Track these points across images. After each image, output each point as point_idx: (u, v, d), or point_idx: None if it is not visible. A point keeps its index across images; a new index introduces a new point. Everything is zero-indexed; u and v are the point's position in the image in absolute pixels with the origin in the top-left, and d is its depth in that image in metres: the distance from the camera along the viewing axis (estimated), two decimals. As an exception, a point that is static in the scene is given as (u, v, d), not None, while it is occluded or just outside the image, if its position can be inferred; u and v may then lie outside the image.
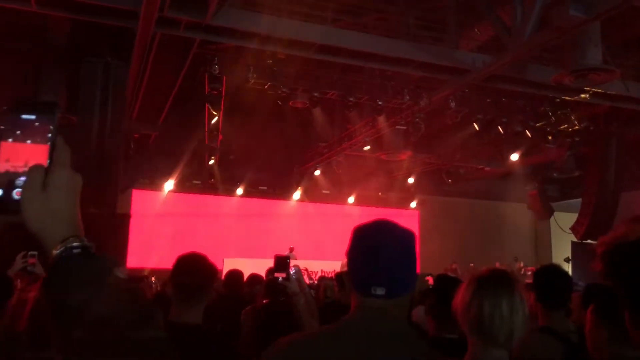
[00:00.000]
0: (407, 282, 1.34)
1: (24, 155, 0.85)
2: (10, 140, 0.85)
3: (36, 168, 0.84)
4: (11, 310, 2.69)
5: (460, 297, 1.75)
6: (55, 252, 0.82)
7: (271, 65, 10.18)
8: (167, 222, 15.55)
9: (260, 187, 17.10)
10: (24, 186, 0.83)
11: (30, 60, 9.57)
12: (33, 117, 0.87)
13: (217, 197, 16.34)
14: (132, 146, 13.58)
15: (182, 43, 9.09)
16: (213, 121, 11.58)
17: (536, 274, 2.67)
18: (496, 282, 1.70)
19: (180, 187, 15.96)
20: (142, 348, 0.77)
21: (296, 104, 11.62)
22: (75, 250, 0.83)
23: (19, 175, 0.84)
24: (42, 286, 0.81)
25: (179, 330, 2.12)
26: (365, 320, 1.30)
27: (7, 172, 0.84)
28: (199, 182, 16.05)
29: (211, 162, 14.13)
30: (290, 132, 14.74)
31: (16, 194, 0.83)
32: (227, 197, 16.54)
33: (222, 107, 11.24)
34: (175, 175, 15.44)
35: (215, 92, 10.49)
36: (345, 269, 1.42)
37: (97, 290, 0.79)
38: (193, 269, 2.28)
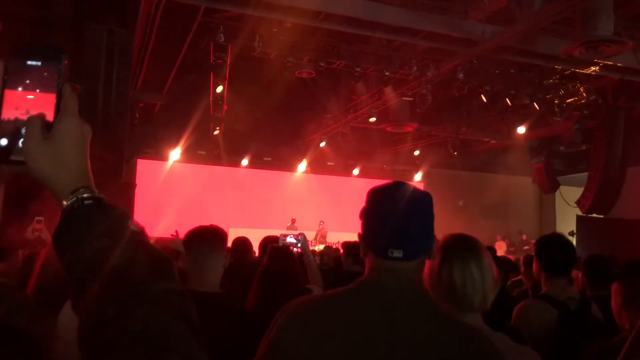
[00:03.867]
0: (424, 244, 1.33)
1: (29, 103, 0.82)
2: (14, 88, 0.82)
3: (34, 118, 0.81)
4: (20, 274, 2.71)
5: (428, 265, 1.74)
6: (65, 203, 0.80)
7: (277, 34, 10.05)
8: (171, 192, 15.59)
9: (265, 158, 17.08)
10: (24, 136, 0.80)
11: (34, 28, 9.48)
12: (39, 63, 0.83)
13: (222, 167, 16.34)
14: (137, 116, 13.52)
15: (187, 11, 8.98)
16: (218, 91, 11.51)
17: (538, 243, 2.69)
18: (462, 246, 1.69)
19: (185, 157, 15.95)
20: (158, 300, 0.75)
21: (302, 74, 11.53)
22: (86, 202, 0.80)
23: (23, 124, 0.81)
24: (53, 239, 0.79)
25: (199, 299, 2.11)
26: (382, 282, 1.29)
27: (11, 120, 0.81)
28: (203, 152, 16.03)
29: (216, 132, 14.08)
30: (296, 103, 14.66)
31: (21, 143, 0.81)
32: (232, 168, 16.54)
33: (227, 77, 11.16)
34: (180, 145, 15.41)
35: (220, 61, 10.39)
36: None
37: (111, 242, 0.77)
38: (205, 235, 2.30)
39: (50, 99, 0.83)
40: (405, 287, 1.28)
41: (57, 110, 0.83)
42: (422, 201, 1.35)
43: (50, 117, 0.82)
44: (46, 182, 0.81)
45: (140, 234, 0.82)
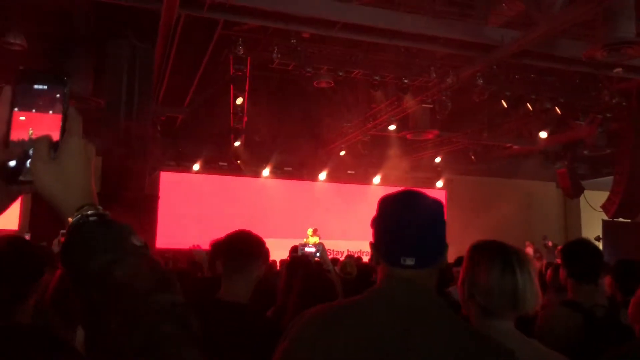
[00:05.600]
0: (436, 252, 1.32)
1: (36, 125, 0.86)
2: (22, 110, 0.86)
3: (41, 139, 0.85)
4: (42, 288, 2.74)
5: (464, 268, 1.72)
6: (71, 220, 0.84)
7: (295, 45, 10.10)
8: (194, 203, 15.73)
9: (285, 169, 17.12)
10: (32, 157, 0.84)
11: (56, 45, 9.67)
12: (45, 87, 0.87)
13: (243, 178, 16.44)
14: (159, 129, 13.70)
15: (206, 24, 9.08)
16: (238, 102, 11.60)
17: (564, 248, 2.64)
18: (518, 253, 1.68)
19: (207, 169, 16.09)
20: (160, 312, 0.77)
21: (320, 84, 11.56)
22: (91, 218, 0.83)
23: (31, 145, 0.85)
24: (60, 254, 0.82)
25: (225, 309, 2.11)
26: (395, 291, 1.28)
27: (20, 142, 0.85)
28: (225, 164, 16.16)
29: (237, 143, 14.17)
30: (315, 113, 14.70)
31: (29, 164, 0.84)
32: (253, 179, 16.62)
33: (246, 89, 11.24)
34: (202, 157, 15.56)
35: (239, 73, 10.48)
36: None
37: (115, 256, 0.80)
38: (239, 243, 2.28)
39: (57, 120, 0.87)
40: (418, 295, 1.27)
41: (63, 131, 0.87)
42: (433, 209, 1.35)
43: (56, 138, 0.86)
44: (53, 200, 0.85)
45: (144, 248, 0.85)
